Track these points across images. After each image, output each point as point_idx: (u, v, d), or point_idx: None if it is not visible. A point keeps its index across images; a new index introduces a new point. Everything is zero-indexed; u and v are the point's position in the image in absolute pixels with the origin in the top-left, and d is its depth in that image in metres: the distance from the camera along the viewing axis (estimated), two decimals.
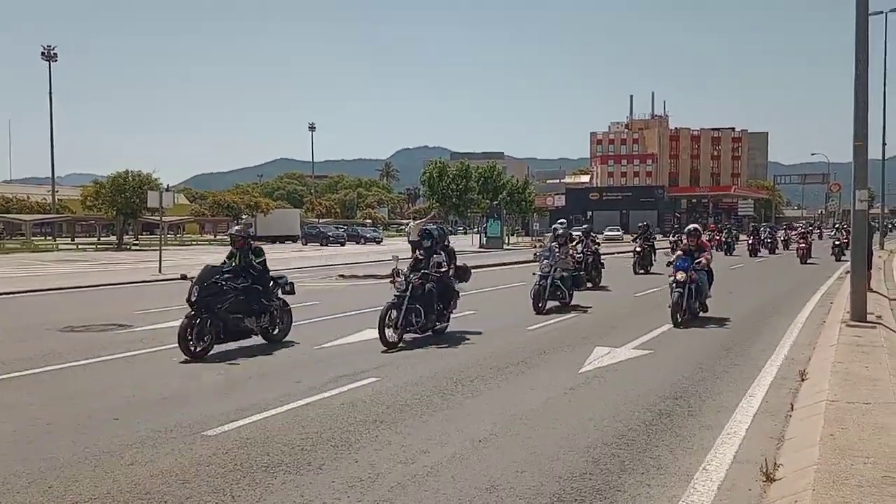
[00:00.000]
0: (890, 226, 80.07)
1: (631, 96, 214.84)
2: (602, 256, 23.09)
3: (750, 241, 39.68)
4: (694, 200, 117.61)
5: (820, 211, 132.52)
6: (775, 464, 5.39)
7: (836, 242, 33.76)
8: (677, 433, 6.56)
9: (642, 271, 26.72)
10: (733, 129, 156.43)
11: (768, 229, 45.50)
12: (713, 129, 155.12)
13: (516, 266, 32.65)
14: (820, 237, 44.66)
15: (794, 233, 44.04)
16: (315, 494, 5.02)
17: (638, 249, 27.56)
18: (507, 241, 57.09)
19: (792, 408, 7.17)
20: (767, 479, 5.16)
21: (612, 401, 7.76)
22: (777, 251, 42.71)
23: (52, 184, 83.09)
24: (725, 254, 38.75)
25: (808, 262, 31.57)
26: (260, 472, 5.47)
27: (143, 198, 42.03)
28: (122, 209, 55.23)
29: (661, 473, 5.51)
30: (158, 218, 30.97)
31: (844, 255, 29.64)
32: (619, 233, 72.92)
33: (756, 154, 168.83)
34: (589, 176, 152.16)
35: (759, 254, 38.68)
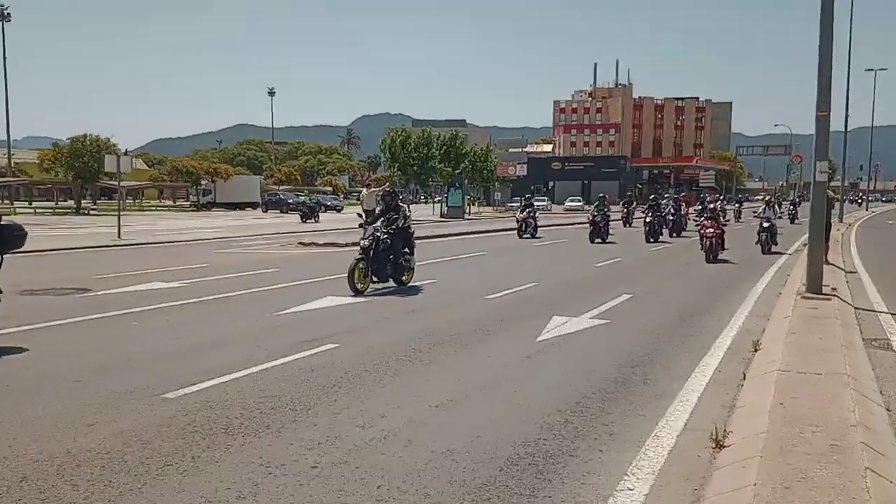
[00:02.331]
0: (858, 200, 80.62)
1: (595, 64, 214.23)
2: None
3: (646, 220, 28.84)
4: (656, 171, 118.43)
5: (781, 183, 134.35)
6: (725, 431, 5.52)
7: (765, 225, 23.28)
8: (631, 401, 6.68)
9: (599, 240, 27.55)
10: (697, 98, 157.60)
11: (671, 201, 34.11)
12: (677, 99, 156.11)
13: (477, 236, 32.81)
14: (773, 212, 25.56)
15: (692, 208, 34.18)
16: (273, 456, 5.05)
17: (597, 219, 28.08)
18: (468, 211, 56.99)
19: (744, 377, 7.31)
20: (717, 445, 5.28)
21: (567, 369, 7.86)
22: (685, 233, 31.81)
23: (7, 147, 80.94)
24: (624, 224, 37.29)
25: (717, 259, 20.25)
26: (219, 434, 5.49)
27: (101, 162, 41.38)
28: (81, 173, 54.40)
29: (614, 440, 5.61)
30: (117, 183, 30.46)
31: (775, 244, 23.71)
32: (579, 203, 72.87)
33: (720, 124, 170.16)
34: (552, 145, 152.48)
35: (658, 237, 28.84)
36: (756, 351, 8.42)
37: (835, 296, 12.07)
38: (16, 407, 6.12)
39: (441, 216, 50.84)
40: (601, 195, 31.50)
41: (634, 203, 42.64)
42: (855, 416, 5.52)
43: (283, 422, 5.83)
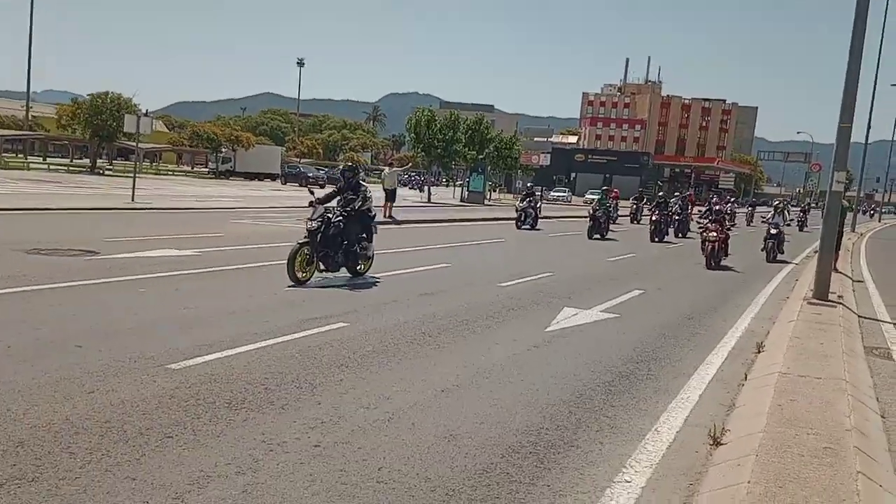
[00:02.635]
0: (871, 211, 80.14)
1: (627, 59, 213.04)
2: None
3: (652, 218, 28.19)
4: (677, 170, 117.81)
5: (798, 189, 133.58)
6: (723, 429, 5.58)
7: (772, 231, 22.10)
8: (634, 395, 6.74)
9: (597, 236, 26.23)
10: (724, 101, 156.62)
11: (679, 201, 33.13)
12: (704, 100, 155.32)
13: (496, 223, 32.76)
14: (781, 219, 24.60)
15: (697, 209, 30.75)
16: (275, 433, 5.12)
17: (597, 214, 26.50)
18: (488, 197, 56.83)
19: (746, 378, 7.38)
20: (715, 442, 5.35)
21: (574, 360, 7.92)
22: (690, 234, 30.67)
23: (27, 99, 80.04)
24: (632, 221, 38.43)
25: (718, 265, 18.89)
26: (222, 408, 5.54)
27: (120, 121, 41.19)
28: (99, 132, 53.89)
29: (615, 432, 5.68)
30: (135, 144, 30.42)
31: (782, 252, 22.60)
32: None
33: (743, 128, 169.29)
34: (577, 137, 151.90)
35: (664, 237, 28.28)
36: (759, 353, 8.47)
37: (840, 303, 12.09)
38: (15, 371, 6.06)
39: (461, 200, 50.84)
40: (604, 187, 30.77)
41: (645, 199, 42.05)
42: (850, 420, 5.56)
43: (287, 399, 5.89)
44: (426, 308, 10.29)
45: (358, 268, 12.41)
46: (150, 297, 9.71)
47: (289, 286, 11.00)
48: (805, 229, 43.57)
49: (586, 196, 72.34)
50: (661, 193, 32.80)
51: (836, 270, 16.30)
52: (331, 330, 8.38)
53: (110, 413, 5.28)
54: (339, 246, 11.81)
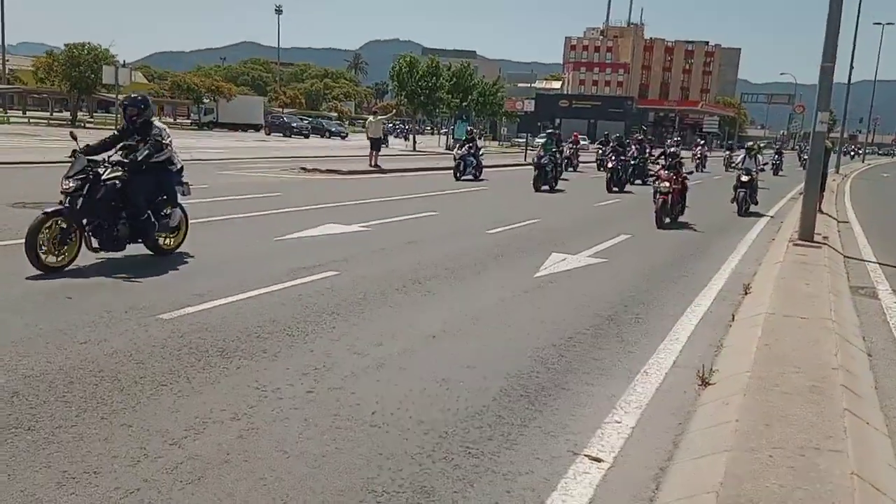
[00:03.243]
0: (853, 153, 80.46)
1: (609, 1, 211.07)
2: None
3: (608, 166, 24.94)
4: (661, 114, 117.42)
5: (782, 132, 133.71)
6: (711, 369, 5.66)
7: (743, 179, 19.14)
8: (622, 338, 6.81)
9: (545, 188, 22.69)
10: (707, 42, 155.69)
11: (635, 144, 27.91)
12: (687, 42, 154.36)
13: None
14: (754, 163, 20.43)
15: (655, 155, 23.50)
16: (269, 380, 5.16)
17: (544, 162, 22.87)
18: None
19: (733, 318, 7.47)
20: (703, 383, 5.43)
21: (562, 305, 7.98)
22: (642, 180, 26.40)
23: (2, 52, 78.54)
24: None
25: (675, 222, 15.95)
26: (215, 357, 5.57)
27: (98, 73, 40.53)
28: (77, 84, 53.07)
29: (604, 374, 5.75)
30: (114, 95, 29.95)
31: (755, 202, 19.58)
32: (585, 142, 72.17)
33: (727, 70, 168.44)
34: (560, 82, 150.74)
35: (624, 186, 24.68)
36: (746, 294, 8.56)
37: (825, 244, 12.21)
38: (4, 323, 6.08)
39: (447, 148, 50.52)
40: (549, 130, 26.35)
41: (613, 144, 31.17)
42: (837, 359, 5.65)
43: (279, 346, 5.93)
44: (414, 256, 10.31)
45: (161, 242, 9.29)
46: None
47: (276, 237, 10.96)
48: (781, 173, 41.08)
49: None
50: (616, 135, 29.04)
51: (821, 211, 16.42)
52: (321, 278, 8.40)
53: (104, 363, 5.30)
54: (115, 214, 8.53)
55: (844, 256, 11.86)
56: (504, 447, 4.35)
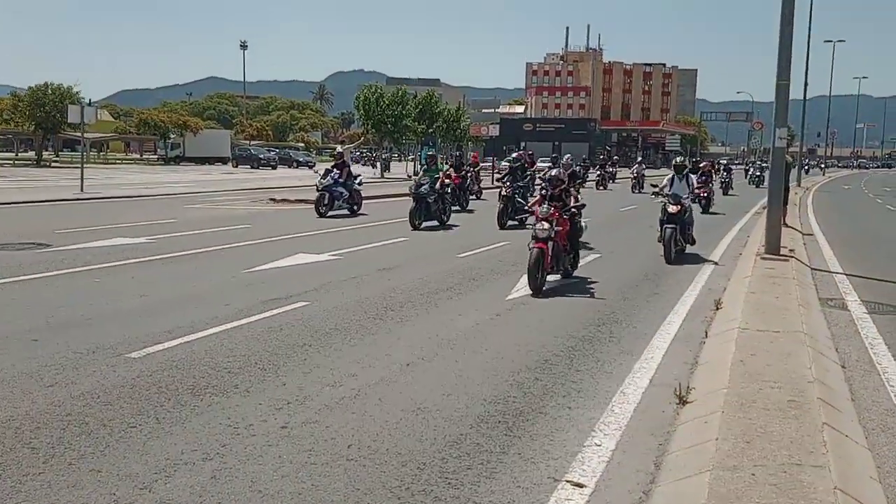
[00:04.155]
0: (807, 167, 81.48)
1: (567, 28, 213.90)
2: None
3: (502, 193, 19.07)
4: (624, 134, 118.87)
5: (743, 148, 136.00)
6: (688, 387, 5.64)
7: (670, 210, 13.35)
8: (598, 359, 6.79)
9: (433, 223, 18.13)
10: (664, 64, 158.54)
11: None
12: (645, 65, 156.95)
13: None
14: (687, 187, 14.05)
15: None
16: (241, 416, 5.04)
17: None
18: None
19: (706, 335, 7.49)
20: (681, 401, 5.41)
21: (536, 327, 7.95)
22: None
23: None
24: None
25: (569, 276, 10.89)
26: (185, 395, 5.45)
27: (63, 112, 40.31)
28: (42, 124, 52.90)
29: (582, 397, 5.71)
30: (80, 134, 29.76)
31: (689, 242, 13.94)
32: (548, 164, 72.48)
33: (685, 90, 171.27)
34: (524, 106, 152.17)
35: (525, 219, 16.91)
36: (717, 310, 8.60)
37: (793, 257, 12.35)
38: None
39: (414, 174, 50.56)
40: (430, 152, 22.81)
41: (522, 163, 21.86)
42: (812, 372, 5.67)
43: (251, 381, 5.81)
44: (386, 283, 10.23)
45: None
46: (106, 286, 9.53)
47: (246, 269, 10.84)
48: (731, 192, 36.11)
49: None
50: (513, 156, 22.44)
51: (786, 225, 16.63)
52: (292, 310, 8.29)
53: (71, 406, 5.16)
54: None
55: (811, 269, 12.00)
56: (484, 476, 4.27)
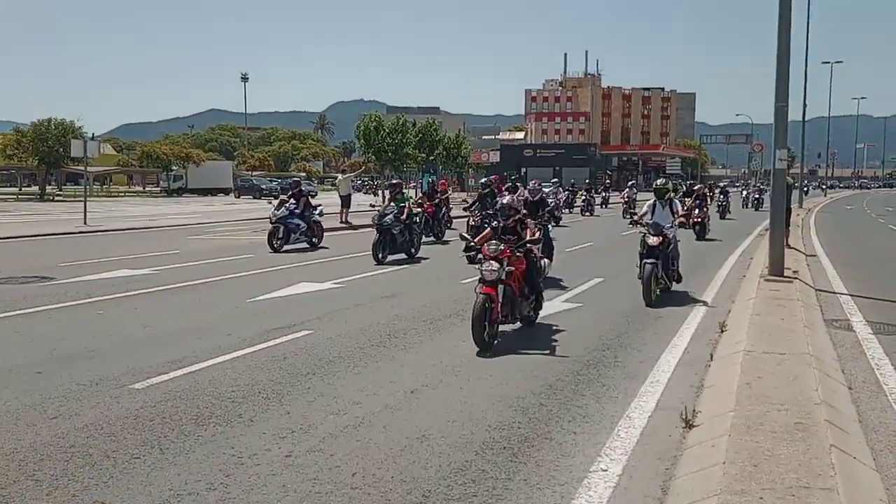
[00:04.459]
0: (807, 187, 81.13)
1: (565, 54, 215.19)
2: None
3: (470, 222, 17.99)
4: (625, 158, 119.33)
5: (743, 170, 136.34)
6: (694, 411, 5.61)
7: (650, 243, 11.44)
8: (603, 383, 6.75)
9: (400, 256, 16.55)
10: (663, 89, 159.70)
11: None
12: (644, 89, 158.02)
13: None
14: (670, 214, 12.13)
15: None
16: (246, 446, 5.02)
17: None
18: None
19: (712, 358, 7.45)
20: (687, 425, 5.37)
21: (541, 352, 7.92)
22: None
23: None
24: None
25: (507, 326, 8.83)
26: (189, 425, 5.43)
27: (66, 146, 40.62)
28: (45, 158, 53.31)
29: (587, 422, 5.68)
30: (83, 168, 29.96)
31: (676, 277, 12.31)
32: (550, 189, 72.81)
33: (685, 114, 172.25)
34: (524, 133, 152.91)
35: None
36: (722, 332, 8.56)
37: (796, 278, 12.30)
38: None
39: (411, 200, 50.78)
40: (395, 180, 21.30)
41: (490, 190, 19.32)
42: (819, 394, 5.62)
43: (255, 411, 5.79)
44: (389, 310, 10.22)
45: None
46: (109, 318, 9.53)
47: (249, 299, 10.85)
48: (728, 216, 34.50)
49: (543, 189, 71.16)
50: (482, 181, 20.47)
51: (789, 246, 16.61)
52: (295, 338, 8.28)
53: (74, 437, 5.15)
54: None
55: (816, 290, 11.95)
56: (489, 503, 4.24)
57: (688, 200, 23.09)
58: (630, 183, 40.20)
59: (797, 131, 45.24)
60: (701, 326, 9.32)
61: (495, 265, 8.24)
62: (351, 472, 4.62)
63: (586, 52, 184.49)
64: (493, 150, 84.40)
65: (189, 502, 4.17)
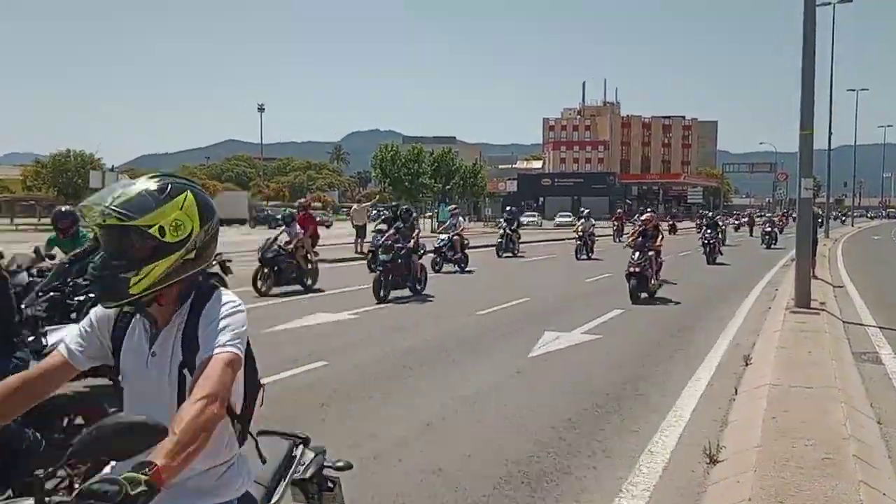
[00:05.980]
0: (842, 217, 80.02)
1: (584, 83, 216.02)
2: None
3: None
4: (645, 187, 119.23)
5: (768, 199, 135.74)
6: (718, 446, 5.45)
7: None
8: (624, 416, 6.60)
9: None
10: (683, 117, 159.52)
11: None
12: (664, 117, 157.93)
13: (469, 251, 32.49)
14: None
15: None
16: None
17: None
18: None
19: (736, 392, 7.26)
20: (711, 460, 5.21)
21: (560, 385, 7.78)
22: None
23: None
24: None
25: None
26: None
27: (85, 178, 41.16)
28: (64, 190, 54.01)
29: (608, 456, 5.53)
30: None
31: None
32: (570, 219, 72.97)
33: (706, 142, 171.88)
34: (541, 162, 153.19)
35: None
36: (747, 365, 8.37)
37: (823, 310, 12.06)
38: None
39: (431, 231, 50.84)
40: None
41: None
42: (847, 429, 5.45)
43: None
44: (406, 341, 10.12)
45: None
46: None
47: (266, 329, 10.78)
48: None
49: (556, 219, 71.87)
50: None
51: (816, 277, 16.34)
52: (310, 369, 8.20)
53: None
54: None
55: (843, 322, 11.68)
56: None
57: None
58: (649, 211, 39.53)
59: (823, 160, 44.82)
60: (725, 359, 9.12)
61: None
62: None
63: (605, 80, 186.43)
64: (510, 179, 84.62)
65: None
